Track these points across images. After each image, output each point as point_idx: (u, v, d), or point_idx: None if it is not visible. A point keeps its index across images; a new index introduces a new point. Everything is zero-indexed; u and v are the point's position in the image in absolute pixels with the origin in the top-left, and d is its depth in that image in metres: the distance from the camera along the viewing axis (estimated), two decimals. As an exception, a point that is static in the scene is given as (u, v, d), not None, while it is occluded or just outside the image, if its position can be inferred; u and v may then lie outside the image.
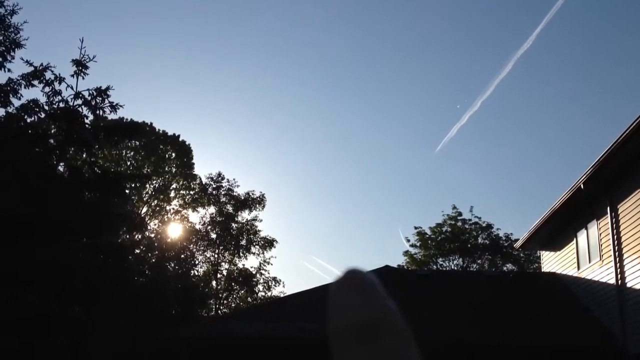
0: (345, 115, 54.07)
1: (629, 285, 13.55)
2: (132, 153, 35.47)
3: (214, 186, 37.24)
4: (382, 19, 49.63)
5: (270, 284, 36.93)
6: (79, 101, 15.88)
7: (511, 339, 14.38)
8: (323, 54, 52.73)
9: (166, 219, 36.34)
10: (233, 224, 36.69)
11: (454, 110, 58.06)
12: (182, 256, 34.24)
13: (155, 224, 35.82)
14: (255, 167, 56.43)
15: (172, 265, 32.95)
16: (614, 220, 14.28)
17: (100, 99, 15.97)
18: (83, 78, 16.00)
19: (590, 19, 47.60)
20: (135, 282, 23.52)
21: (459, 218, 38.01)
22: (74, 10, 47.10)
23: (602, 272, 15.01)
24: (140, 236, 31.38)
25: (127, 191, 24.22)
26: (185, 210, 36.76)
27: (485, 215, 50.31)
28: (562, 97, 51.13)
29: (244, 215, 37.20)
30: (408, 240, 39.17)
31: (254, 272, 36.56)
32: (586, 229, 16.05)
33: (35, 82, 15.77)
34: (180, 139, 37.02)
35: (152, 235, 34.31)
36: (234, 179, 37.48)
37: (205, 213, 36.78)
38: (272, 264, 37.19)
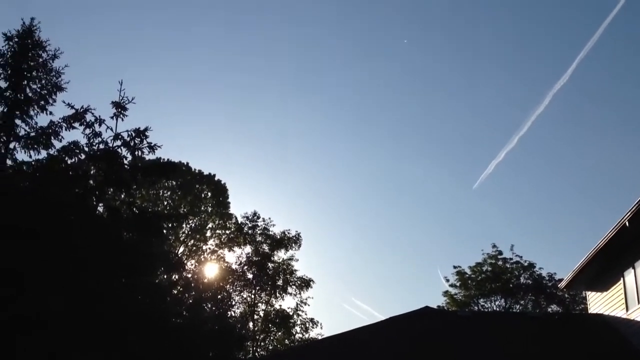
0: (381, 154, 54.07)
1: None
2: (168, 193, 35.81)
3: (250, 225, 37.26)
4: (417, 57, 49.82)
5: (307, 325, 36.45)
6: (119, 142, 16.07)
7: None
8: (358, 94, 53.02)
9: (202, 259, 36.36)
10: (269, 264, 36.50)
11: (491, 147, 57.48)
12: (219, 297, 34.09)
13: (192, 264, 35.87)
14: (291, 207, 56.43)
15: (209, 306, 32.79)
16: (663, 258, 13.73)
17: (139, 139, 16.13)
18: (122, 120, 16.23)
19: (626, 52, 47.01)
20: (172, 324, 23.39)
21: (499, 257, 37.21)
22: (115, 54, 48.44)
23: (653, 314, 14.36)
24: (177, 276, 31.38)
25: (164, 231, 24.31)
26: (221, 250, 36.75)
27: (526, 253, 49.10)
28: (600, 131, 50.25)
29: (280, 255, 37.07)
30: (447, 280, 38.47)
31: (291, 313, 36.18)
32: (633, 268, 15.45)
33: (76, 124, 16.04)
34: (216, 178, 37.30)
35: (189, 275, 34.31)
36: (269, 218, 37.50)
37: (242, 253, 36.75)
38: (309, 305, 36.82)
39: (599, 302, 18.38)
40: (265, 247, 36.75)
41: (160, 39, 50.55)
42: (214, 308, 32.88)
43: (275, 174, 57.39)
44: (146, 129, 16.18)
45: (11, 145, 16.01)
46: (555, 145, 51.56)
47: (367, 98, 52.15)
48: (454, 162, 55.94)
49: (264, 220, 37.36)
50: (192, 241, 36.51)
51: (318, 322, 36.55)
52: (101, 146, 15.99)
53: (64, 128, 16.15)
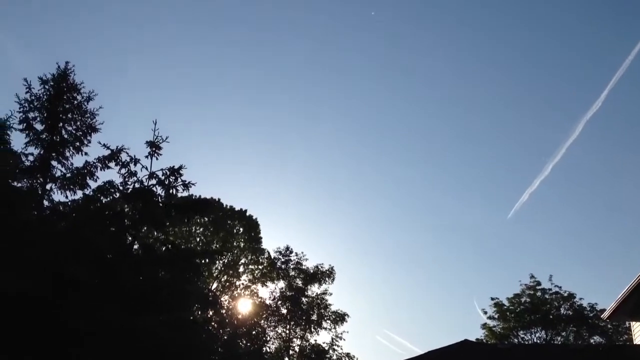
0: (415, 185, 53.75)
1: None
2: (201, 229, 35.98)
3: (283, 260, 37.17)
4: (457, 86, 49.74)
5: (343, 360, 35.95)
6: (153, 181, 16.22)
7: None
8: (396, 124, 52.98)
9: (236, 295, 36.30)
10: (303, 298, 36.26)
11: (525, 176, 56.73)
12: (254, 332, 33.89)
13: (225, 300, 35.81)
14: (323, 241, 56.22)
15: (244, 341, 32.60)
16: None
17: (174, 177, 16.26)
18: (157, 159, 16.39)
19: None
20: (208, 360, 23.25)
21: (537, 287, 36.42)
22: (147, 93, 49.38)
23: None
24: (212, 312, 31.31)
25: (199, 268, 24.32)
26: (254, 285, 36.69)
27: (566, 284, 47.86)
28: (635, 157, 49.29)
29: (314, 289, 36.80)
30: (485, 312, 37.69)
31: (326, 348, 35.75)
32: (681, 296, 14.92)
33: (111, 164, 16.24)
34: (247, 214, 37.39)
35: (223, 311, 34.23)
36: (302, 252, 37.39)
37: (275, 288, 36.63)
38: (344, 339, 36.35)
39: (645, 333, 17.77)
40: (299, 282, 36.57)
41: (192, 76, 51.42)
42: (249, 344, 32.67)
43: (306, 207, 57.40)
44: (180, 167, 16.30)
45: (48, 186, 16.21)
46: (589, 172, 50.78)
47: (400, 127, 52.24)
48: (488, 192, 55.42)
49: (296, 254, 37.29)
50: (225, 277, 36.52)
51: (354, 356, 36.09)
52: (136, 185, 16.14)
53: (99, 168, 16.35)
